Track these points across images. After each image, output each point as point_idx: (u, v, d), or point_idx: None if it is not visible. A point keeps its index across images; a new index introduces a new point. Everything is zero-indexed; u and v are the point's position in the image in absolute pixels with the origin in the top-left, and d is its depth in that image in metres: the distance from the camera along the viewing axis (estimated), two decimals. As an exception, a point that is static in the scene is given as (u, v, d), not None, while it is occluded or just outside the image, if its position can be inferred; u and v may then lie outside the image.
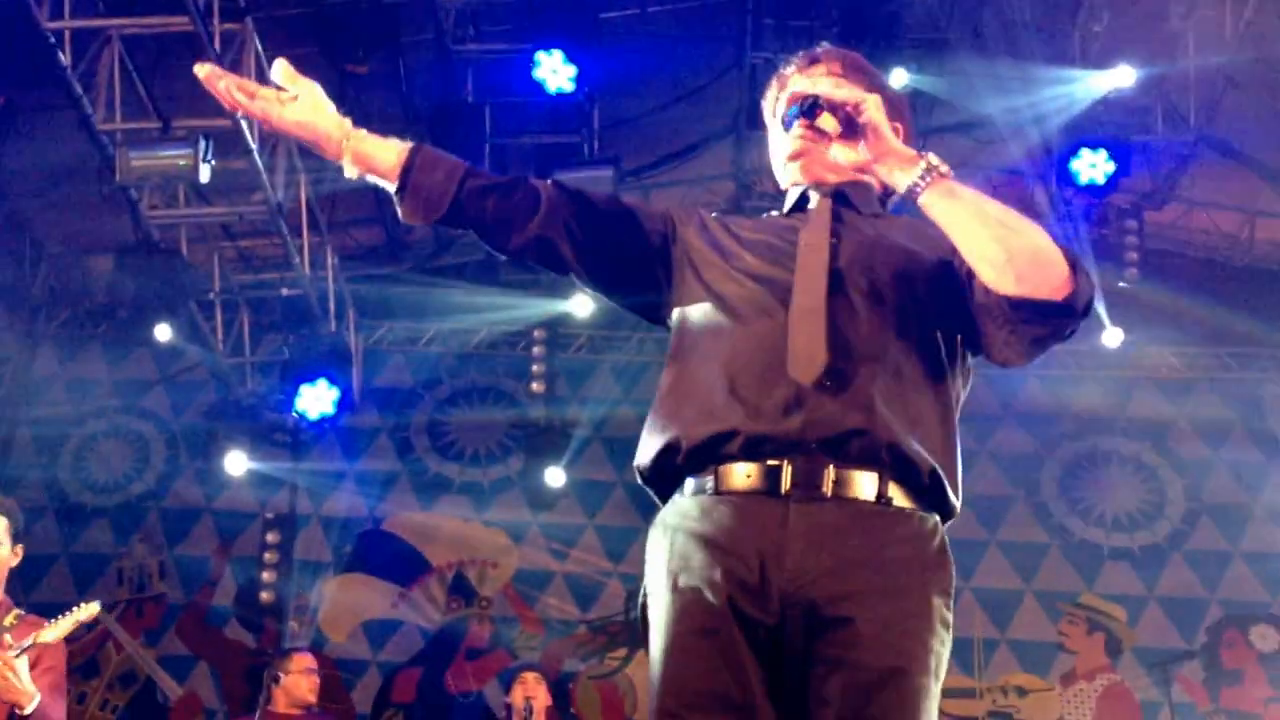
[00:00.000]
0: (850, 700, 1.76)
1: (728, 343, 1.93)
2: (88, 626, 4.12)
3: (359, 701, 8.16)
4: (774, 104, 2.18)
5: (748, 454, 1.85)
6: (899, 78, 7.35)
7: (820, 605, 1.79)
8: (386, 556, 8.92)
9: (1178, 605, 8.84)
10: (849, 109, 1.88)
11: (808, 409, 1.84)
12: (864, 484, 1.85)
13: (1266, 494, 8.96)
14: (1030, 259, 1.81)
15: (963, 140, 8.42)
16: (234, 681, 8.04)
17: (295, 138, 2.03)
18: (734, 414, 1.86)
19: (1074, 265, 1.82)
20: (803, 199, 2.12)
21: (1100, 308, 8.41)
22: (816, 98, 1.93)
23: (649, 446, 1.96)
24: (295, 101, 2.00)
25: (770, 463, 1.84)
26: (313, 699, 5.89)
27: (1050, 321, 1.84)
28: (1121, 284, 8.35)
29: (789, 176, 2.14)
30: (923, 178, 1.83)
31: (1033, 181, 8.42)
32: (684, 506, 1.91)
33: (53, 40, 5.90)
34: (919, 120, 8.03)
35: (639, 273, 2.09)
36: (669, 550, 1.89)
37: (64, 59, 5.97)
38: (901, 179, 1.85)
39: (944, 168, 1.85)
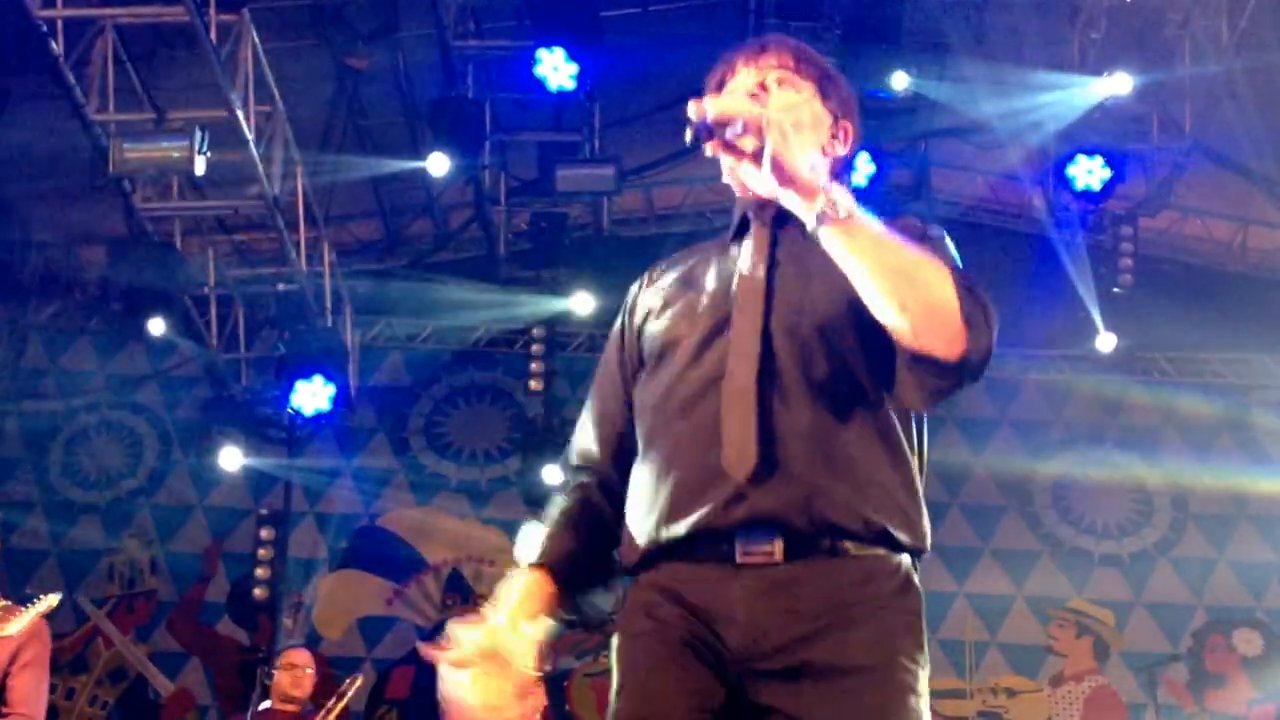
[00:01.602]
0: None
1: (672, 439, 1.91)
2: (50, 618, 4.09)
3: (353, 699, 8.11)
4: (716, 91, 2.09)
5: (701, 538, 1.85)
6: (900, 81, 7.39)
7: (778, 652, 1.78)
8: (382, 553, 8.88)
9: (1164, 610, 8.93)
10: (753, 126, 1.77)
11: (749, 503, 1.82)
12: (817, 544, 1.83)
13: (1253, 502, 9.05)
14: (924, 314, 1.74)
15: (961, 144, 8.46)
16: (227, 678, 8.01)
17: None
18: (681, 517, 1.86)
19: (969, 320, 1.75)
20: (744, 224, 2.04)
21: (1095, 313, 8.48)
22: (702, 125, 1.77)
23: (623, 557, 1.98)
24: None
25: (723, 545, 1.84)
26: (306, 696, 5.88)
27: (944, 377, 1.79)
28: (1115, 289, 8.41)
29: (725, 177, 2.07)
30: (819, 217, 1.74)
31: (1030, 187, 8.48)
32: (648, 572, 1.93)
33: (45, 29, 5.83)
34: (919, 124, 8.14)
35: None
36: (637, 600, 1.91)
37: (56, 48, 5.91)
38: (802, 212, 1.76)
39: (842, 208, 1.74)
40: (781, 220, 1.97)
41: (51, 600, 3.95)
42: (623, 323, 2.10)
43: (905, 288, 1.75)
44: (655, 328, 2.01)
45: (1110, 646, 8.87)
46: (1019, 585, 8.98)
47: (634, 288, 2.13)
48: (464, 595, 8.87)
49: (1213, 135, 7.93)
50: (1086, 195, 7.70)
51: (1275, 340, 8.87)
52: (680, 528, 1.85)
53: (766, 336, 1.89)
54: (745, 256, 1.98)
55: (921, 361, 1.77)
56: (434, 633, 8.71)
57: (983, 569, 8.93)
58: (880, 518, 1.85)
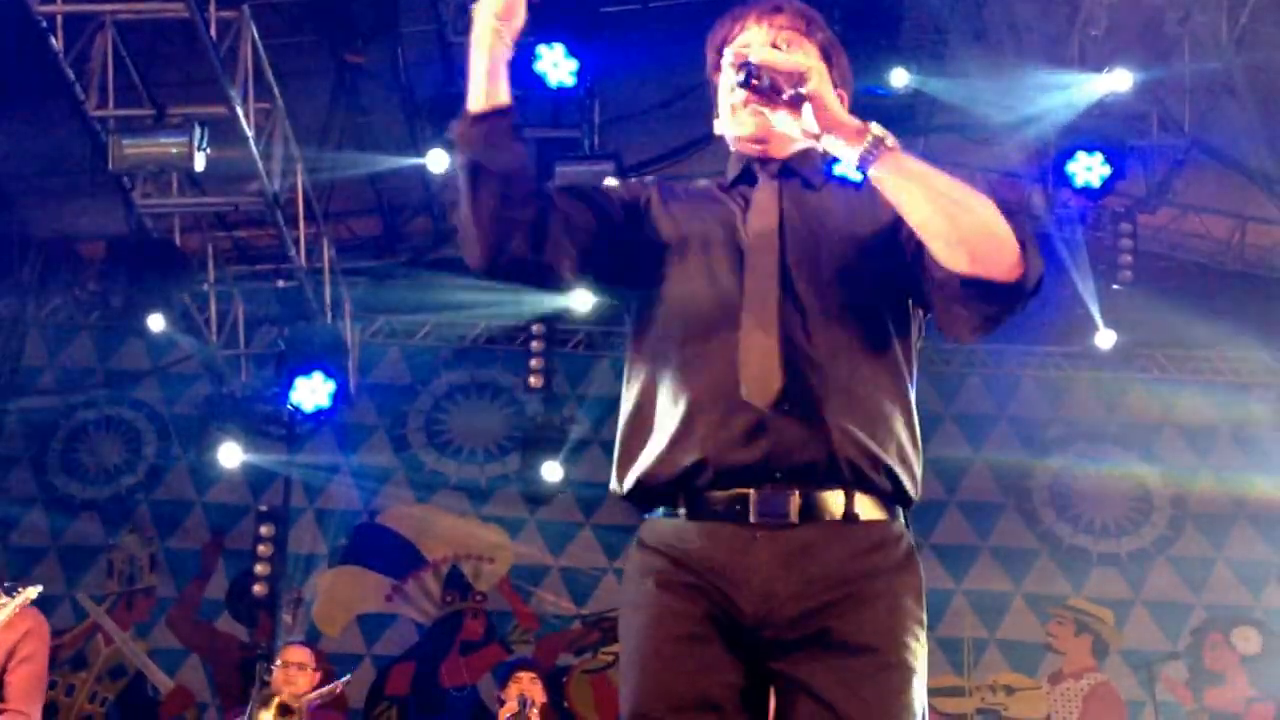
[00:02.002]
0: (835, 701, 1.76)
1: (685, 363, 1.90)
2: (48, 613, 4.10)
3: (352, 695, 8.11)
4: (725, 47, 2.08)
5: (715, 482, 1.85)
6: (899, 77, 7.38)
7: (792, 623, 1.80)
8: (381, 550, 8.89)
9: (1163, 608, 8.94)
10: (795, 77, 1.79)
11: (768, 436, 1.83)
12: (831, 504, 1.85)
13: (1251, 500, 9.06)
14: (982, 238, 1.77)
15: (960, 141, 8.45)
16: (227, 674, 8.01)
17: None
18: (697, 446, 1.86)
19: (1023, 243, 1.79)
20: (748, 172, 2.06)
21: (1094, 309, 8.48)
22: (759, 66, 1.80)
23: (619, 478, 1.97)
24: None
25: (736, 491, 1.84)
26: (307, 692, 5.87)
27: (1002, 301, 1.81)
28: (1115, 286, 8.41)
29: (735, 129, 2.07)
30: (870, 151, 1.77)
31: (1029, 183, 8.46)
32: (659, 527, 1.92)
33: (44, 25, 5.82)
34: (918, 121, 8.13)
35: (627, 255, 2.03)
36: (647, 565, 1.89)
37: (56, 44, 5.89)
38: (849, 152, 1.79)
39: (890, 140, 1.78)
40: (787, 174, 2.02)
41: (30, 592, 3.92)
42: (634, 189, 2.07)
43: (961, 214, 1.77)
44: (667, 228, 2.01)
45: (1109, 644, 8.89)
46: (1017, 583, 8.99)
47: (649, 181, 2.11)
48: (463, 592, 8.88)
49: (1212, 132, 7.93)
50: (1086, 192, 7.69)
51: (1274, 337, 8.88)
52: (697, 456, 1.84)
53: (784, 269, 1.90)
54: (756, 206, 1.99)
55: (978, 287, 1.78)
56: (434, 630, 8.76)
57: (981, 567, 8.94)
58: (891, 460, 1.88)
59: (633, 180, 2.13)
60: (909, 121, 7.94)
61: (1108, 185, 7.66)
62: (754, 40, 2.03)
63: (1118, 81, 7.35)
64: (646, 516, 1.97)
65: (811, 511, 1.83)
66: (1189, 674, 8.73)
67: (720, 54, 2.06)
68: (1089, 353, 8.99)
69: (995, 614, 8.86)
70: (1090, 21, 7.44)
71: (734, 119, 2.04)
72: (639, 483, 1.92)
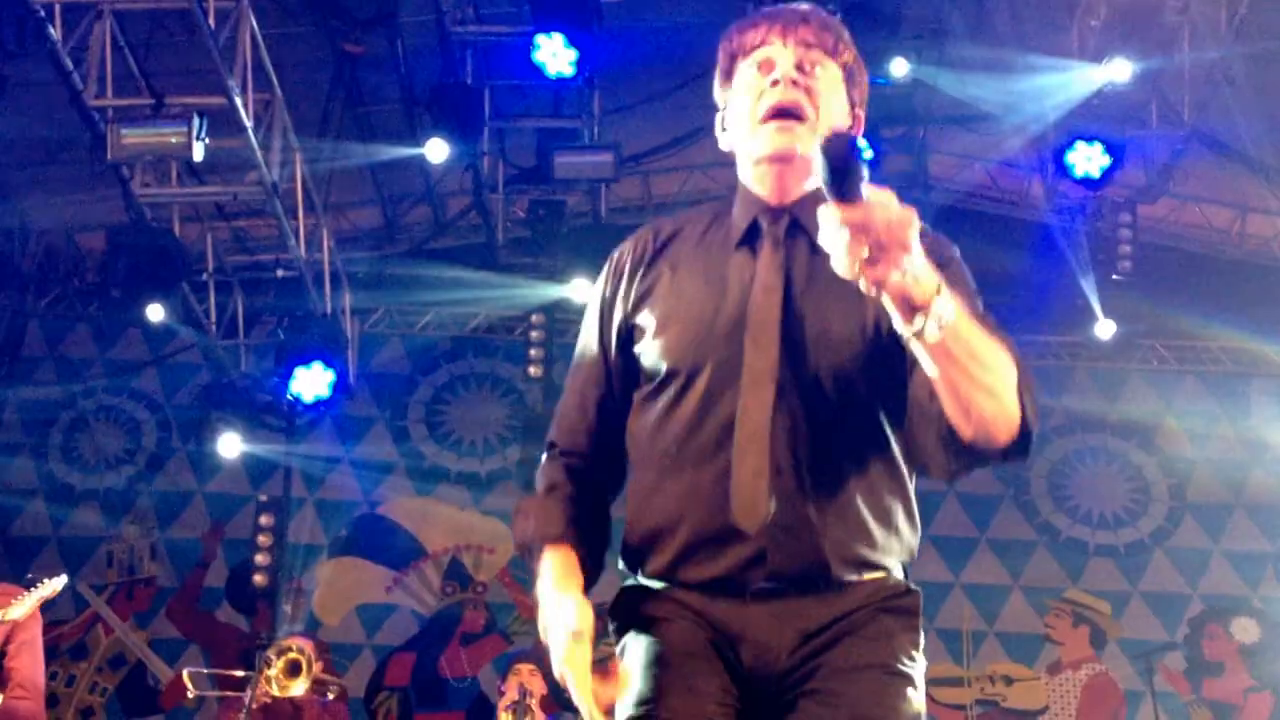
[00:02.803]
0: (837, 710, 1.77)
1: (683, 480, 1.87)
2: (50, 604, 4.11)
3: (352, 685, 8.11)
4: (740, 59, 1.95)
5: (709, 586, 1.86)
6: (899, 67, 7.38)
7: (785, 677, 1.82)
8: (382, 541, 8.88)
9: (1161, 599, 8.94)
10: (893, 227, 1.48)
11: (767, 567, 1.82)
12: (827, 583, 1.85)
13: (1249, 491, 9.07)
14: (991, 422, 1.70)
15: (960, 131, 8.45)
16: (227, 664, 7.98)
17: None
18: (699, 568, 1.86)
19: (1025, 420, 1.72)
20: (753, 230, 1.93)
21: (1094, 300, 8.48)
22: (854, 184, 1.45)
23: (623, 557, 1.98)
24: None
25: (729, 575, 1.86)
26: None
27: (980, 464, 1.79)
28: (1114, 276, 8.41)
29: (757, 147, 1.91)
30: (925, 328, 1.55)
31: (1029, 174, 8.47)
32: (646, 585, 1.93)
33: (43, 14, 5.81)
34: (918, 111, 8.12)
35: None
36: (646, 600, 1.90)
37: (54, 33, 5.88)
38: (912, 320, 1.55)
39: (946, 319, 1.56)
40: (793, 232, 1.90)
41: (57, 584, 3.95)
42: (604, 296, 2.01)
43: (985, 400, 1.67)
44: (654, 344, 1.93)
45: (1107, 635, 8.90)
46: (1016, 575, 9.00)
47: (619, 257, 2.02)
48: (463, 583, 8.88)
49: (1212, 122, 7.92)
50: (1086, 182, 7.69)
51: (1274, 327, 8.87)
52: (696, 575, 1.85)
53: (780, 373, 1.84)
54: (759, 278, 1.88)
55: (962, 449, 1.74)
56: (434, 620, 8.76)
57: (979, 558, 8.95)
58: (888, 560, 1.88)
59: (610, 271, 2.03)
60: (908, 111, 7.94)
61: (1107, 175, 7.66)
62: (778, 60, 1.90)
63: (1117, 71, 7.34)
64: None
65: (804, 587, 1.84)
66: (1187, 664, 8.74)
67: (734, 62, 1.95)
68: (1088, 343, 9.00)
69: (993, 605, 8.88)
70: (1089, 11, 7.43)
71: (754, 134, 1.91)
72: (647, 570, 1.93)
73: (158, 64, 6.74)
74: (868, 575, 1.86)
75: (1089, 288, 8.39)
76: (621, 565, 1.99)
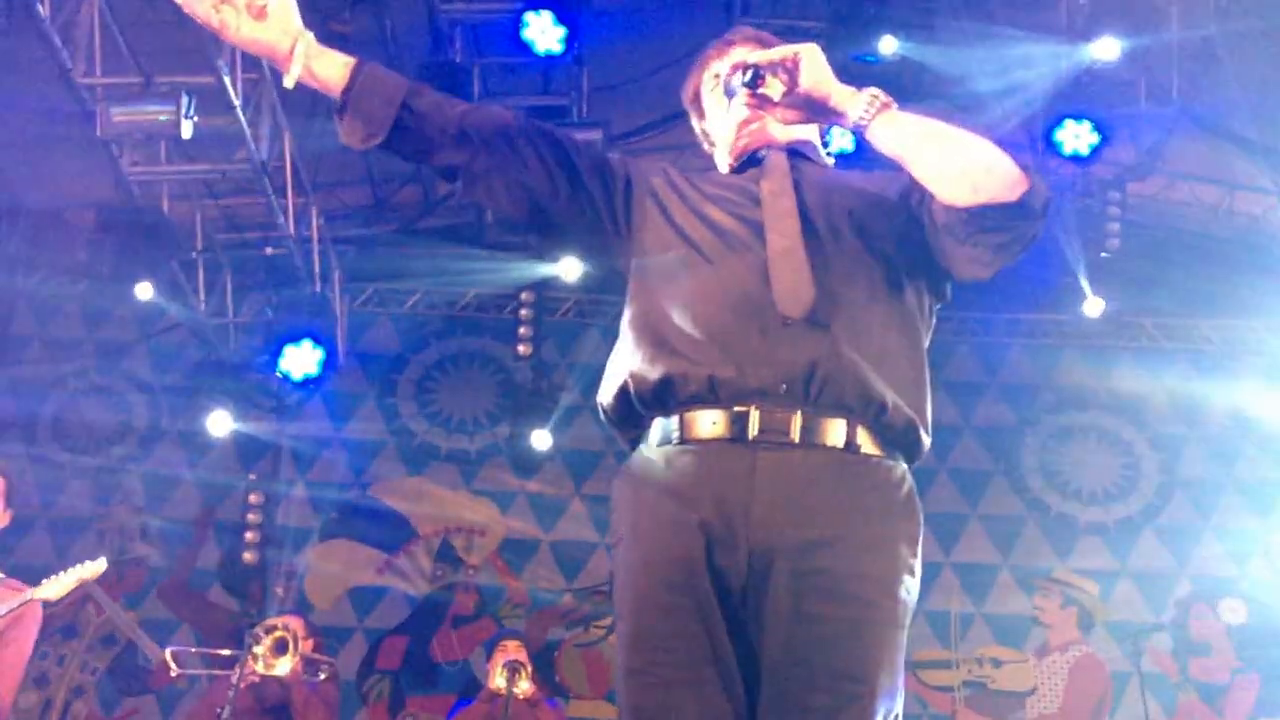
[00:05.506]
0: (818, 651, 1.76)
1: (696, 282, 1.92)
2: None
3: (344, 668, 8.12)
4: (706, 84, 2.21)
5: (714, 398, 1.84)
6: (887, 45, 7.38)
7: (787, 556, 1.79)
8: (372, 523, 8.85)
9: (1149, 579, 8.95)
10: (789, 64, 1.90)
11: (779, 353, 1.84)
12: (832, 431, 1.84)
13: (1239, 469, 9.09)
14: (984, 168, 1.84)
15: (948, 108, 8.43)
16: (218, 645, 7.98)
17: (250, 51, 1.97)
18: (702, 354, 1.86)
19: (1025, 168, 1.87)
20: (753, 157, 2.12)
21: (1082, 278, 8.49)
22: (758, 66, 1.94)
23: (612, 383, 1.95)
24: (262, 14, 1.91)
25: (737, 409, 1.83)
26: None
27: (1011, 224, 1.87)
28: (1104, 254, 8.41)
29: (736, 143, 2.15)
30: (868, 110, 1.88)
31: (1017, 152, 8.45)
32: (649, 457, 1.91)
33: (30, -10, 5.78)
34: (906, 89, 8.08)
35: (598, 209, 2.07)
36: (635, 503, 1.89)
37: (42, 11, 5.85)
38: (848, 112, 1.89)
39: (884, 97, 1.91)
40: (792, 154, 2.12)
41: (98, 566, 3.87)
42: (641, 168, 2.13)
43: (961, 151, 1.86)
44: (674, 186, 2.08)
45: (1094, 616, 8.91)
46: (1005, 555, 9.01)
47: (641, 160, 2.16)
48: (454, 565, 8.88)
49: (1201, 100, 7.92)
50: (1074, 160, 7.69)
51: (1263, 305, 8.87)
52: (705, 369, 1.85)
53: (801, 210, 1.97)
54: (766, 173, 2.06)
55: (984, 216, 1.84)
56: (425, 603, 8.76)
57: (969, 537, 8.96)
58: (898, 400, 1.90)
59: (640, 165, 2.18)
60: (896, 89, 7.91)
61: (1096, 153, 7.66)
62: (719, 71, 2.15)
63: (1105, 49, 7.34)
64: (635, 439, 1.97)
65: (812, 435, 1.82)
66: (1174, 645, 8.75)
67: (698, 95, 2.20)
68: (1078, 321, 9.00)
69: (983, 586, 8.89)
70: (1078, -12, 7.42)
71: (732, 137, 2.14)
72: (638, 394, 1.91)
73: (147, 42, 6.71)
74: (873, 444, 1.87)
75: (1078, 265, 8.39)
76: (607, 398, 1.98)
